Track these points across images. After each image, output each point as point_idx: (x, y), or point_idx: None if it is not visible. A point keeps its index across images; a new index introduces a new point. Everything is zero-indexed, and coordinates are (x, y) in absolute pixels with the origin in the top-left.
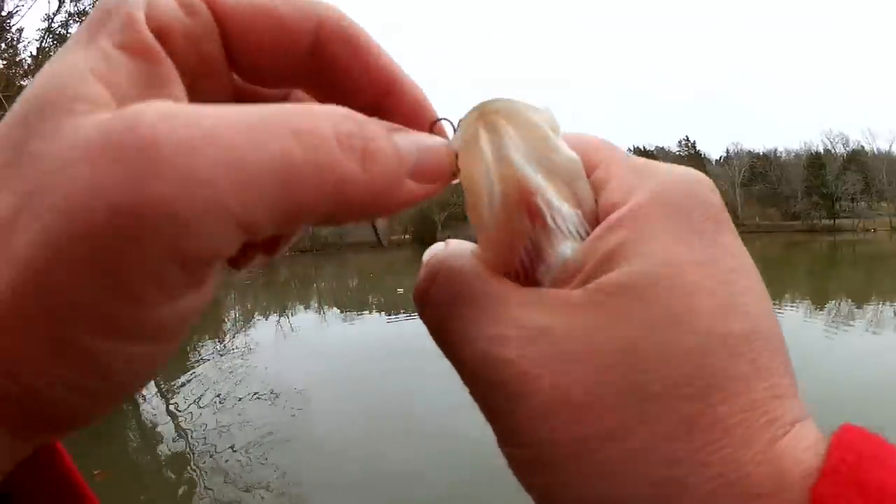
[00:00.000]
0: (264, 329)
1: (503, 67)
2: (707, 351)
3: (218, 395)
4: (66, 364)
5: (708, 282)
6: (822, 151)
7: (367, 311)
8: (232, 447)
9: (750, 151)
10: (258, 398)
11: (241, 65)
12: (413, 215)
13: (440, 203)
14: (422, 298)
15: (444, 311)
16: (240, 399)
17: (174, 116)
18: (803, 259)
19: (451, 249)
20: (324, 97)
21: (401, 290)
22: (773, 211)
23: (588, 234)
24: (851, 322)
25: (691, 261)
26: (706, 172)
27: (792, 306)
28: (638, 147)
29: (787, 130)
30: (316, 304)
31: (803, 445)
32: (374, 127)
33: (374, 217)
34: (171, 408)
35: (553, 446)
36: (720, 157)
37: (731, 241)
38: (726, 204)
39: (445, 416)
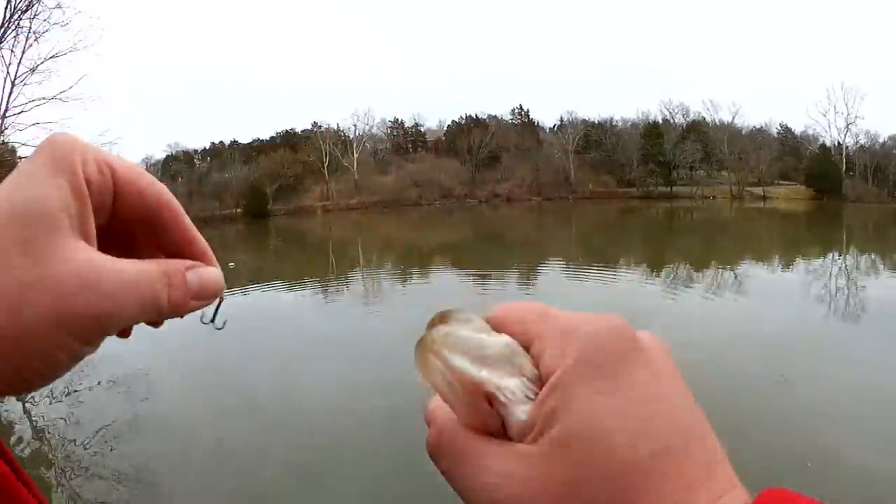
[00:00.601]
0: None
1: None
2: (623, 476)
3: (67, 388)
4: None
5: (620, 422)
6: (660, 121)
7: None
8: (84, 440)
9: (585, 120)
10: (107, 386)
11: (119, 209)
12: (244, 190)
13: (271, 175)
14: (435, 453)
15: (449, 465)
16: (90, 388)
17: (98, 271)
18: (640, 224)
19: (444, 416)
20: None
21: (232, 265)
22: (608, 178)
23: (535, 391)
24: (691, 285)
25: (606, 409)
26: (538, 140)
27: (628, 271)
28: (471, 115)
29: (626, 102)
30: None
31: None
32: (177, 265)
33: (172, 317)
34: (27, 405)
35: None
36: (554, 126)
37: (642, 375)
38: (560, 171)
39: (288, 390)
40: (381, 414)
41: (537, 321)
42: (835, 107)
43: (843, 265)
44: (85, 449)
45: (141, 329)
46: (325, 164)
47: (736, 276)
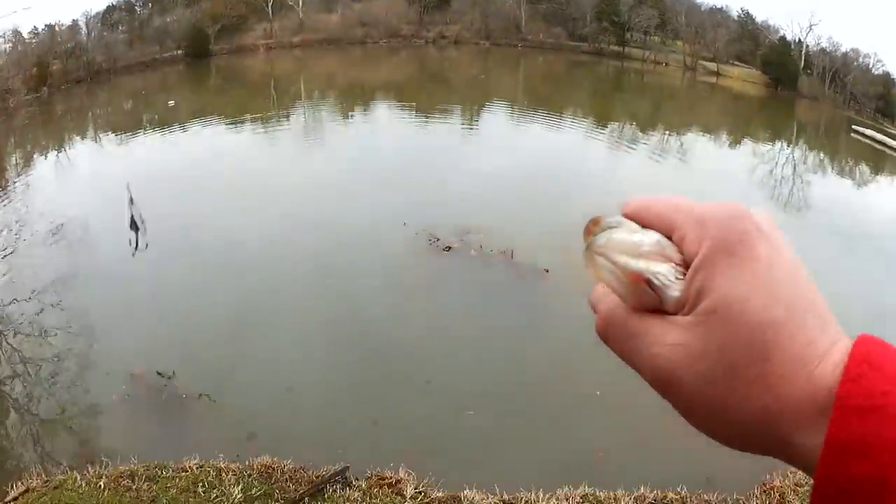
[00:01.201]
0: (44, 168)
1: None
2: (761, 334)
3: (5, 246)
4: None
5: (752, 290)
6: None
7: (141, 131)
8: (24, 297)
9: None
10: (48, 240)
11: None
12: (186, 30)
13: (213, 15)
14: (603, 336)
15: (621, 344)
16: (24, 240)
17: None
18: (588, 79)
19: (610, 300)
20: None
21: (172, 103)
22: (559, 30)
23: (683, 272)
24: (634, 145)
25: (741, 281)
26: None
27: (574, 122)
28: None
29: None
30: (92, 133)
31: (830, 368)
32: None
33: None
34: None
35: (698, 402)
36: None
37: (763, 250)
38: (511, 18)
39: (230, 231)
40: (314, 252)
41: (673, 213)
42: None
43: (791, 156)
44: (27, 302)
45: (78, 176)
46: (270, 3)
47: (681, 144)
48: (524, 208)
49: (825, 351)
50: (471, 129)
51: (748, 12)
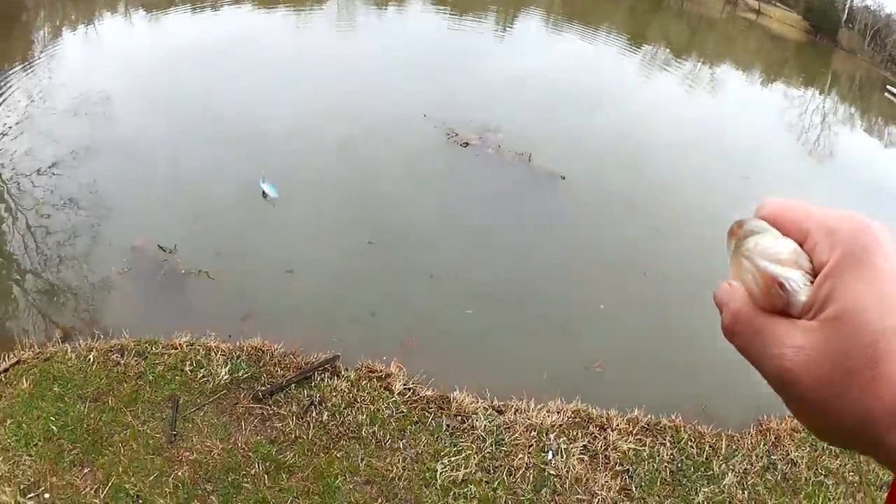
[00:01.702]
0: (72, 41)
1: None
2: (876, 343)
3: (25, 117)
4: None
5: (872, 302)
6: None
7: (172, 8)
8: (38, 170)
9: None
10: (69, 113)
11: None
12: None
13: None
14: (730, 332)
15: (746, 340)
16: (47, 116)
17: None
18: None
19: (739, 299)
20: None
21: None
22: None
23: (811, 278)
24: (668, 69)
25: (863, 293)
26: None
27: (608, 37)
28: None
29: None
30: (123, 7)
31: None
32: None
33: None
34: None
35: (810, 401)
36: None
37: (881, 262)
38: None
39: (252, 111)
40: (340, 134)
41: (806, 220)
42: None
43: (822, 105)
44: (39, 175)
45: (105, 50)
46: None
47: (713, 75)
48: (548, 115)
49: None
50: (505, 33)
51: None
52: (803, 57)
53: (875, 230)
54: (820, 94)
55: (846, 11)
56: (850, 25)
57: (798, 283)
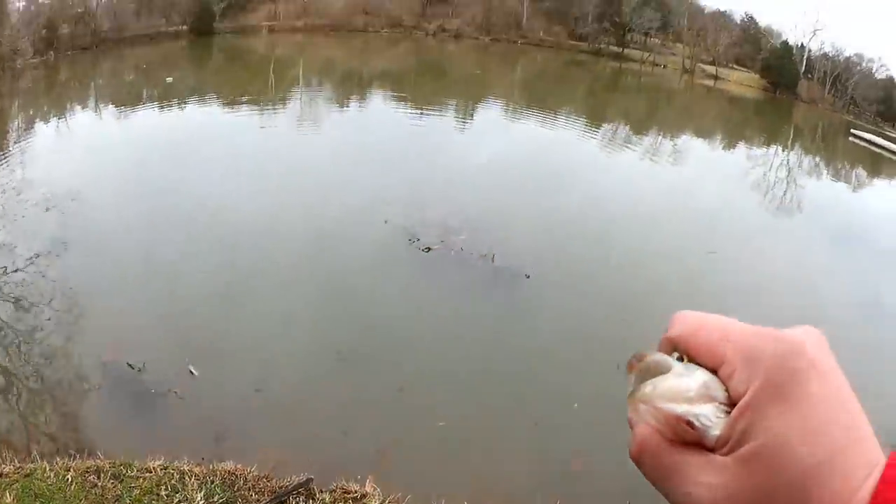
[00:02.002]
0: (44, 134)
1: None
2: (804, 480)
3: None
4: None
5: (800, 435)
6: None
7: (140, 105)
8: (12, 267)
9: None
10: (41, 207)
11: None
12: (190, 5)
13: None
14: (637, 461)
15: (654, 473)
16: (20, 210)
17: None
18: (585, 78)
19: (648, 428)
20: None
21: (169, 80)
22: (560, 29)
23: (727, 409)
24: (629, 145)
25: (789, 425)
26: None
27: (568, 121)
28: None
29: None
30: (93, 103)
31: (863, 494)
32: None
33: None
34: None
35: None
36: None
37: (814, 387)
38: (512, 15)
39: (223, 198)
40: (304, 234)
41: (720, 343)
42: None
43: (786, 160)
44: (15, 272)
45: (77, 144)
46: None
47: (675, 146)
48: (511, 202)
49: (860, 484)
50: (464, 124)
51: (752, 16)
52: (764, 114)
53: (808, 349)
54: (783, 149)
55: (804, 63)
56: (810, 76)
57: (709, 418)
